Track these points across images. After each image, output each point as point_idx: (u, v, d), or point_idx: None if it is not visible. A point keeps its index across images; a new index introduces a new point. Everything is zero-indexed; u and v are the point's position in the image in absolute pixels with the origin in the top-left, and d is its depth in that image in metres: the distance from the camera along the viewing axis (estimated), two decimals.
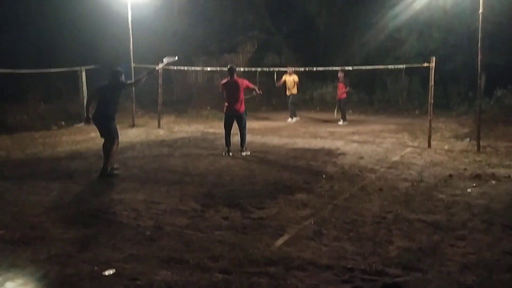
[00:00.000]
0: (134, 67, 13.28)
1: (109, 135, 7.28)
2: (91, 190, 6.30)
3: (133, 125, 13.35)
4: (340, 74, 14.37)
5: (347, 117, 14.40)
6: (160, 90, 13.38)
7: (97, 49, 18.71)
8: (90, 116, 7.29)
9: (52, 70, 14.53)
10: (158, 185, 6.53)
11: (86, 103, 7.70)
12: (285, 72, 15.09)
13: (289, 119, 14.97)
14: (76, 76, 15.11)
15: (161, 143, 10.54)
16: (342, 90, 14.38)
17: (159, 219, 5.00)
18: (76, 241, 4.37)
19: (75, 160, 8.54)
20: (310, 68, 14.55)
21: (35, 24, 17.26)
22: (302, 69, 15.23)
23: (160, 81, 13.37)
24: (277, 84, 15.19)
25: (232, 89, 8.90)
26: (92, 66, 15.58)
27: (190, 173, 7.32)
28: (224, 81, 9.14)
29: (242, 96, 8.89)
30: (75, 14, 17.83)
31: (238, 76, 9.48)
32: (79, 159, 8.61)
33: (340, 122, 14.04)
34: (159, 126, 13.07)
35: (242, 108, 8.91)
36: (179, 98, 20.86)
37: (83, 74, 15.03)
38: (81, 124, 13.96)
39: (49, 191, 6.23)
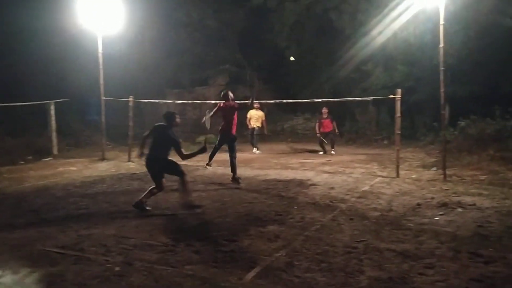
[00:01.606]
0: (104, 101, 13.19)
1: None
2: (58, 226, 6.13)
3: (103, 159, 13.17)
4: (325, 110, 14.59)
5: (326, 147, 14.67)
6: (130, 123, 13.29)
7: (67, 83, 18.59)
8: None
9: (20, 104, 14.30)
10: (128, 219, 6.42)
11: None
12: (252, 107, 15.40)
13: (255, 150, 15.21)
14: (44, 110, 14.90)
15: (132, 176, 10.41)
16: (328, 125, 14.55)
17: (128, 255, 4.90)
18: (42, 280, 4.23)
19: (42, 195, 8.33)
20: (280, 101, 14.80)
21: (2, 57, 17.07)
22: (272, 101, 15.49)
23: (131, 114, 13.30)
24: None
25: (227, 112, 9.27)
26: (61, 100, 15.42)
27: (161, 206, 7.23)
28: (221, 104, 9.45)
29: (235, 120, 9.28)
30: (44, 47, 17.72)
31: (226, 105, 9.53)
32: (46, 194, 8.39)
33: (333, 152, 14.27)
34: (129, 159, 12.93)
35: (234, 131, 9.32)
36: None
37: (52, 107, 14.84)
38: (49, 159, 13.72)
39: (13, 228, 6.04)
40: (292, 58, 23.55)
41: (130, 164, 12.44)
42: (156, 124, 7.21)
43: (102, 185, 9.36)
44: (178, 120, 7.17)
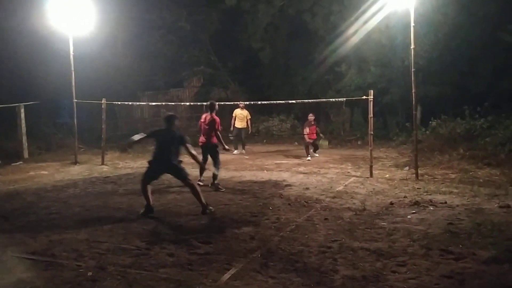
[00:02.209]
0: (76, 103, 12.95)
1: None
2: (28, 231, 5.99)
3: (75, 162, 12.93)
4: (311, 117, 14.28)
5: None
6: (103, 126, 13.09)
7: (37, 85, 18.21)
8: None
9: None
10: (101, 223, 6.33)
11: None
12: (237, 106, 15.46)
13: (240, 151, 15.23)
14: (14, 113, 14.56)
15: (105, 180, 10.26)
16: (313, 132, 14.36)
17: (101, 259, 4.82)
18: None
19: (11, 200, 8.12)
20: (255, 102, 14.84)
21: None
22: (247, 102, 15.53)
23: (104, 116, 13.10)
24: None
25: (208, 125, 9.03)
26: (32, 103, 15.09)
27: (135, 210, 7.14)
28: (203, 117, 9.24)
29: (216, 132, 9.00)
30: (13, 48, 17.32)
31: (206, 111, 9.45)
32: (16, 199, 8.19)
33: (317, 154, 14.22)
34: (103, 163, 12.75)
35: (214, 140, 9.00)
36: (124, 134, 20.47)
37: (22, 110, 14.51)
38: (19, 163, 13.41)
39: None
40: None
41: (103, 167, 12.26)
42: (158, 129, 7.25)
43: (74, 189, 9.19)
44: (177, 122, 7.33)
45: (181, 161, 7.13)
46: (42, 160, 13.93)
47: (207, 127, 9.03)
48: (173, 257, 4.87)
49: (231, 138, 15.46)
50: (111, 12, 18.22)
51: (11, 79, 17.78)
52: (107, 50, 20.43)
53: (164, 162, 6.96)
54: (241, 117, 15.28)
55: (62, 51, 13.67)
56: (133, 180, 10.13)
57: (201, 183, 8.89)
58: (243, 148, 15.48)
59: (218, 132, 8.98)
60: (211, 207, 6.91)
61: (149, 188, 6.95)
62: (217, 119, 9.04)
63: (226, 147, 9.29)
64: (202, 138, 9.16)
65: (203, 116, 9.31)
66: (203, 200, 6.85)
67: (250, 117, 15.54)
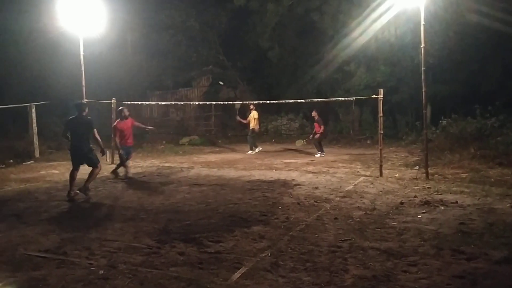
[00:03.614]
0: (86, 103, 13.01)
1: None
2: (40, 230, 6.05)
3: None
4: (314, 113, 14.52)
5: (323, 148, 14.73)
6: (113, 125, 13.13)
7: (48, 85, 18.34)
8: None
9: None
10: (111, 222, 6.37)
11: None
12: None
13: (253, 151, 15.30)
14: (25, 113, 14.68)
15: (115, 179, 10.32)
16: (317, 129, 14.52)
17: (112, 257, 4.85)
18: (24, 285, 4.17)
19: (23, 199, 8.20)
20: (264, 101, 14.86)
21: None
22: (256, 102, 15.56)
23: (113, 116, 13.16)
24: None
25: (125, 127, 10.52)
26: (42, 102, 15.21)
27: (145, 208, 7.18)
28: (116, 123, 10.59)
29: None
30: (24, 49, 17.47)
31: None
32: (28, 198, 8.27)
33: (318, 155, 14.26)
34: (113, 162, 12.80)
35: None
36: (133, 133, 20.58)
37: (33, 110, 14.63)
38: (31, 162, 13.53)
39: None
40: (221, 83, 24.00)
41: (113, 166, 12.31)
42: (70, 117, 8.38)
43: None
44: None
45: (92, 149, 8.28)
46: (53, 159, 14.05)
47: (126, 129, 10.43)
48: (184, 255, 4.88)
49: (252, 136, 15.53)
50: (121, 12, 18.31)
51: (23, 79, 17.95)
52: (117, 50, 20.54)
53: (78, 149, 8.14)
54: (251, 118, 15.39)
55: (72, 51, 13.76)
56: (143, 179, 10.19)
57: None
58: (253, 147, 15.54)
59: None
60: (89, 194, 8.06)
61: (76, 174, 8.13)
62: (131, 121, 10.58)
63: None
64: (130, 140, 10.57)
65: (118, 121, 10.55)
66: (89, 184, 8.15)
67: (257, 117, 15.63)
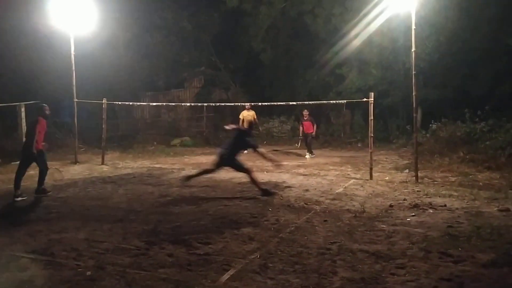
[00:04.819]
0: (76, 103, 12.95)
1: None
2: (27, 230, 5.99)
3: (75, 162, 12.94)
4: (306, 112, 14.73)
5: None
6: (104, 126, 13.09)
7: (38, 84, 18.21)
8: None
9: None
10: (100, 223, 6.32)
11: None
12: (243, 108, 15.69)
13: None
14: (14, 112, 14.56)
15: (105, 179, 10.26)
16: (308, 127, 14.65)
17: (100, 259, 4.82)
18: (10, 286, 4.12)
19: (11, 199, 8.11)
20: (256, 103, 14.91)
21: None
22: (248, 104, 15.61)
23: (104, 116, 13.11)
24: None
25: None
26: (32, 102, 15.08)
27: (135, 210, 7.14)
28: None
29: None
30: (14, 48, 17.32)
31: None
32: None
33: (307, 156, 14.35)
34: (103, 162, 12.75)
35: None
36: (124, 134, 20.51)
37: (22, 110, 14.51)
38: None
39: None
40: None
41: (103, 167, 12.27)
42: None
43: (74, 188, 9.19)
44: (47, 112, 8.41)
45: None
46: None
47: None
48: (172, 257, 4.86)
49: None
50: (113, 12, 18.24)
51: (12, 78, 17.78)
52: (109, 50, 20.43)
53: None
54: (248, 118, 15.40)
55: (63, 50, 13.67)
56: (133, 180, 10.15)
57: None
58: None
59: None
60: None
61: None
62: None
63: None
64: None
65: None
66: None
67: (255, 117, 15.67)
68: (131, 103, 16.81)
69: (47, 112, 8.65)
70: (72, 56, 12.64)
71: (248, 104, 15.39)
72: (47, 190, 8.58)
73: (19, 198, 8.00)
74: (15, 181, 8.16)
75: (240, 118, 15.46)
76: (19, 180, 8.21)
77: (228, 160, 8.35)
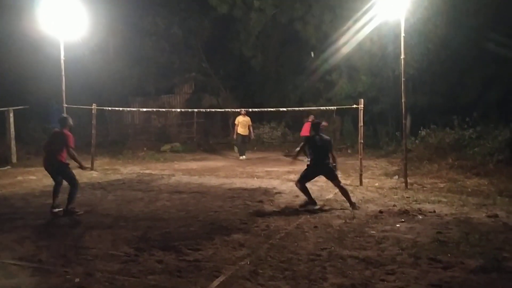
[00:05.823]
0: (66, 108, 12.85)
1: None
2: (15, 237, 5.92)
3: None
4: (312, 118, 14.54)
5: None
6: (93, 131, 13.01)
7: (27, 89, 18.07)
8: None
9: None
10: (89, 229, 6.27)
11: None
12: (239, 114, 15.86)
13: (242, 157, 15.63)
14: (2, 117, 14.43)
15: (94, 185, 10.18)
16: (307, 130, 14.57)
17: (89, 265, 4.78)
18: None
19: None
20: (247, 109, 14.95)
21: None
22: (238, 110, 15.67)
23: (94, 121, 13.04)
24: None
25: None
26: (21, 107, 14.97)
27: (124, 216, 7.10)
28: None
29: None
30: (3, 52, 17.19)
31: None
32: (4, 204, 8.11)
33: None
34: (92, 168, 12.65)
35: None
36: (114, 139, 20.39)
37: (11, 115, 14.38)
38: (7, 167, 13.28)
39: None
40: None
41: (92, 173, 12.17)
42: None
43: (62, 194, 9.06)
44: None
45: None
46: (30, 165, 13.79)
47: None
48: (162, 263, 4.83)
49: (235, 145, 15.96)
50: (103, 17, 18.18)
51: (1, 83, 17.63)
52: (99, 55, 20.35)
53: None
54: (243, 123, 15.58)
55: (52, 55, 13.58)
56: (122, 186, 10.08)
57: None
58: (242, 153, 15.82)
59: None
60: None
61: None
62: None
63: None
64: None
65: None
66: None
67: (251, 124, 15.91)
68: (121, 109, 16.72)
69: (71, 123, 7.92)
70: (62, 61, 12.54)
71: (243, 110, 15.46)
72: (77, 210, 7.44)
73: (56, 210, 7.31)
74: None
75: (235, 124, 15.77)
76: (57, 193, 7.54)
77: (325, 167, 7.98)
